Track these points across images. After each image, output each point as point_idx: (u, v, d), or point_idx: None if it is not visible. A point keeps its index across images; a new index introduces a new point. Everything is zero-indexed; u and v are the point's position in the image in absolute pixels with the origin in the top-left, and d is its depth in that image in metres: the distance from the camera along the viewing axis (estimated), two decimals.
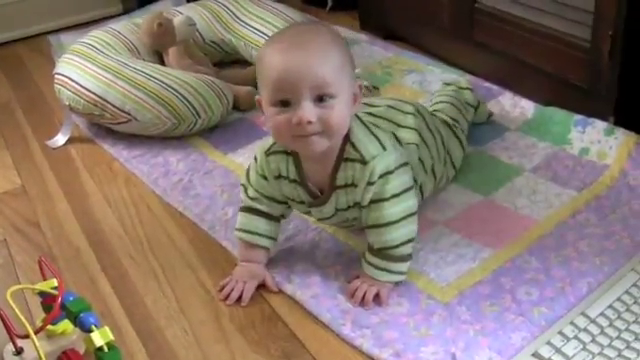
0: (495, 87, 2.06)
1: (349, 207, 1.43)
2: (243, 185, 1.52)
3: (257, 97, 1.38)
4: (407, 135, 1.50)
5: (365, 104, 1.58)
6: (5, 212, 1.86)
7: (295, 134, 1.29)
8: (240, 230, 1.51)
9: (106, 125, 2.12)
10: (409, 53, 2.39)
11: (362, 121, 1.41)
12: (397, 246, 1.38)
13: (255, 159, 1.48)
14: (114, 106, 2.03)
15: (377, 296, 1.39)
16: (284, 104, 1.28)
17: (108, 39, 2.27)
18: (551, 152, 1.76)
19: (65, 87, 2.11)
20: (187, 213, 1.75)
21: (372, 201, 1.37)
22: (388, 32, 2.54)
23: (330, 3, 2.93)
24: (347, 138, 1.37)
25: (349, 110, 1.33)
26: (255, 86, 2.15)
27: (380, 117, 1.51)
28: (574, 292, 1.35)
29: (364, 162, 1.36)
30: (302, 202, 1.47)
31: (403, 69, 2.28)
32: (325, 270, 1.50)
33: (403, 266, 1.41)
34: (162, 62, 2.30)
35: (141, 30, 2.33)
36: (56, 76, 2.17)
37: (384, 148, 1.38)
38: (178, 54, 2.27)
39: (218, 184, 1.83)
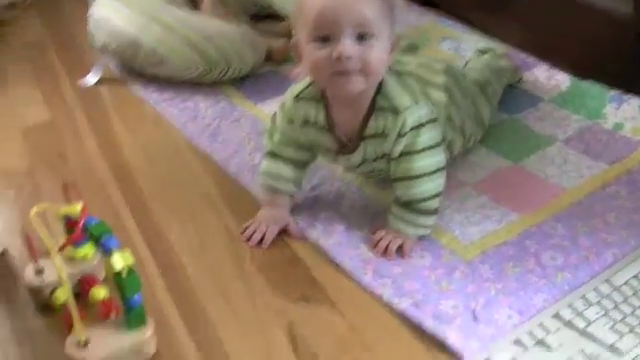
0: (531, 59, 2.03)
1: (377, 158, 1.42)
2: (269, 131, 1.51)
3: (293, 40, 1.37)
4: (436, 94, 1.49)
5: (396, 61, 1.57)
6: (33, 143, 1.87)
7: (334, 70, 1.28)
8: (264, 175, 1.51)
9: (138, 68, 2.11)
10: (445, 20, 2.37)
11: (395, 74, 1.40)
12: (425, 199, 1.37)
13: (283, 105, 1.47)
14: (147, 49, 2.02)
15: (400, 248, 1.39)
16: (324, 40, 1.27)
17: None
18: (585, 125, 1.74)
19: (99, 28, 2.11)
20: (214, 157, 1.74)
21: (402, 153, 1.36)
22: None
23: None
24: (380, 88, 1.36)
25: (386, 57, 1.32)
26: (289, 39, 2.17)
27: (410, 74, 1.50)
28: (599, 261, 1.33)
29: (396, 112, 1.35)
30: (329, 150, 1.46)
31: (439, 35, 2.26)
32: (349, 220, 1.49)
33: (429, 220, 1.40)
34: (197, 9, 2.28)
35: None
36: (90, 17, 2.17)
37: (416, 101, 1.37)
38: (213, 3, 2.26)
39: (246, 131, 1.83)
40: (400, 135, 1.35)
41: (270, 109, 1.89)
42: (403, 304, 1.27)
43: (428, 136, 1.36)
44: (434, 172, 1.37)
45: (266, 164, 1.51)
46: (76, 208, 1.27)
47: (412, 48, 1.97)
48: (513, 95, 1.85)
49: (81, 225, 1.19)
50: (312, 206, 1.54)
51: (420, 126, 1.35)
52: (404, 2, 2.55)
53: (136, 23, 2.05)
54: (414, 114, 1.35)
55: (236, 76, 2.06)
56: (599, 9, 1.82)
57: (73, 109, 2.03)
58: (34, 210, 1.16)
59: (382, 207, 1.50)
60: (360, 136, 1.40)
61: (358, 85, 1.29)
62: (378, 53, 1.28)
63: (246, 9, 2.42)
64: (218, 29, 2.04)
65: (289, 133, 1.47)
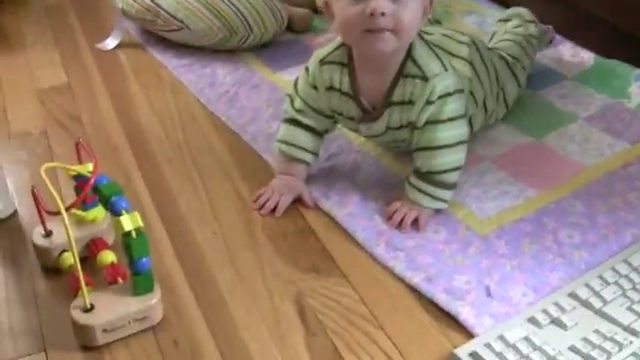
0: (556, 36, 1.99)
1: (401, 126, 1.39)
2: (289, 95, 1.48)
3: (323, 1, 1.35)
4: (459, 66, 1.45)
5: (421, 31, 1.54)
6: (48, 105, 1.86)
7: (366, 28, 1.24)
8: (281, 142, 1.48)
9: (157, 32, 2.09)
10: None
11: (425, 40, 1.37)
12: (445, 171, 1.35)
13: (306, 69, 1.44)
14: (167, 12, 2.00)
15: (415, 221, 1.36)
16: None
17: None
18: (608, 103, 1.70)
19: None
20: (230, 124, 1.72)
21: (427, 122, 1.34)
22: None
23: None
24: (409, 54, 1.33)
25: (419, 19, 1.29)
26: (312, 9, 2.15)
27: (434, 45, 1.46)
28: (618, 240, 1.30)
29: (425, 79, 1.32)
30: (351, 118, 1.43)
31: (463, 9, 2.22)
32: (365, 191, 1.46)
33: (447, 194, 1.37)
34: None
35: None
36: None
37: (445, 69, 1.34)
38: None
39: (264, 98, 1.81)
40: (428, 102, 1.32)
41: (290, 77, 1.85)
42: (415, 278, 1.25)
43: (454, 106, 1.34)
44: (456, 144, 1.35)
45: (284, 131, 1.48)
46: (87, 167, 1.26)
47: (434, 22, 1.94)
48: (536, 71, 1.81)
49: (91, 184, 1.16)
50: (327, 176, 1.52)
51: (447, 95, 1.33)
52: None
53: None
54: (443, 82, 1.32)
55: (256, 43, 2.03)
56: None
57: (90, 72, 2.01)
58: (44, 167, 1.15)
59: (399, 179, 1.48)
60: (385, 103, 1.37)
61: (390, 44, 1.26)
62: (412, 12, 1.25)
63: None
64: None
65: (311, 99, 1.44)
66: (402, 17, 1.24)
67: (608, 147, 1.55)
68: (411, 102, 1.34)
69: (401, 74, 1.34)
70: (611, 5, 1.83)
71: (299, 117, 1.46)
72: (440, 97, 1.32)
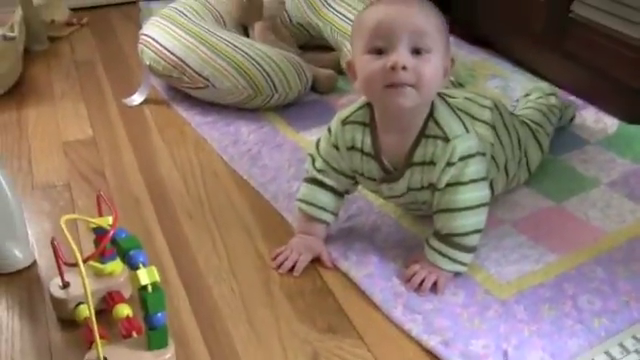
0: (580, 101, 2.00)
1: (422, 187, 1.39)
2: (311, 155, 1.49)
3: (347, 59, 1.37)
4: (482, 130, 1.45)
5: (444, 94, 1.55)
6: (73, 158, 1.88)
7: (387, 82, 1.26)
8: (302, 201, 1.48)
9: (183, 89, 2.12)
10: (495, 59, 2.35)
11: (447, 102, 1.38)
12: (465, 234, 1.34)
13: (329, 129, 1.45)
14: (193, 70, 2.03)
15: (434, 284, 1.35)
16: (380, 52, 1.26)
17: (197, 7, 2.27)
18: (630, 169, 1.69)
19: (148, 47, 2.12)
20: (252, 182, 1.73)
21: (448, 184, 1.34)
22: (477, 37, 2.49)
23: None
24: (430, 114, 1.34)
25: (441, 77, 1.30)
26: (336, 70, 2.17)
27: (457, 108, 1.47)
28: (639, 308, 1.29)
29: (446, 140, 1.32)
30: (372, 178, 1.43)
31: (487, 73, 2.24)
32: (383, 252, 1.46)
33: (467, 257, 1.37)
34: (247, 36, 2.29)
35: (230, 2, 2.32)
36: (141, 36, 2.19)
37: (467, 130, 1.34)
38: (263, 30, 2.26)
39: (286, 158, 1.81)
40: (449, 164, 1.32)
41: (313, 137, 1.87)
42: (432, 341, 1.24)
43: (475, 168, 1.34)
44: (478, 206, 1.34)
45: (305, 190, 1.49)
46: (107, 220, 1.27)
47: (458, 85, 1.95)
48: (559, 136, 1.81)
49: (110, 237, 1.17)
50: (347, 236, 1.51)
51: (469, 157, 1.33)
52: (454, 39, 2.53)
53: (184, 44, 2.06)
54: (464, 143, 1.32)
55: (281, 103, 2.05)
56: None
57: (115, 127, 2.04)
58: (64, 218, 1.15)
59: (418, 241, 1.47)
60: (407, 163, 1.37)
61: (411, 99, 1.27)
62: (433, 68, 1.26)
63: (297, 37, 2.42)
64: (266, 55, 2.04)
65: (332, 159, 1.45)
66: (423, 72, 1.25)
67: (630, 213, 1.54)
68: (432, 163, 1.34)
69: (423, 134, 1.35)
70: (635, 70, 1.83)
71: (320, 177, 1.46)
72: (461, 159, 1.32)
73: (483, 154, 1.37)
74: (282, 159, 1.81)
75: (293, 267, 1.43)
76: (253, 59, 2.01)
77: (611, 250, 1.44)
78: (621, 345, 1.20)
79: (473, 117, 1.46)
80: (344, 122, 1.42)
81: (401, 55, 1.24)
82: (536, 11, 2.16)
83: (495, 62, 2.32)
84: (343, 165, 1.44)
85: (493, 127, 1.48)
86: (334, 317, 1.32)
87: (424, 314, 1.30)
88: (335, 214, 1.49)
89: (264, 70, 2.00)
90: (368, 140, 1.39)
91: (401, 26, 1.24)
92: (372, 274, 1.40)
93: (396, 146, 1.37)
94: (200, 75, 2.02)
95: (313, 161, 1.48)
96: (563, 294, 1.33)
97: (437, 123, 1.34)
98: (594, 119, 1.92)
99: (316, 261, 1.45)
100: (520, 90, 2.07)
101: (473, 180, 1.33)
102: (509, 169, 1.53)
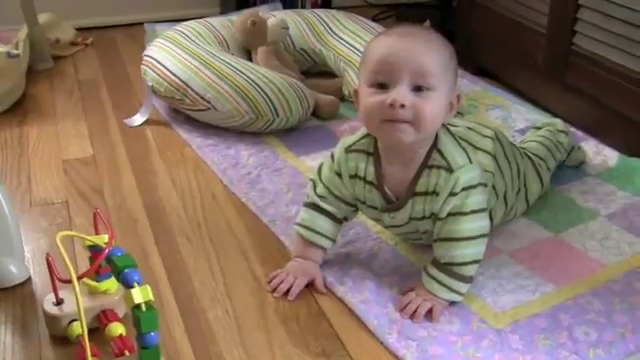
0: (580, 133, 2.00)
1: (424, 217, 1.39)
2: (312, 180, 1.49)
3: (354, 87, 1.37)
4: (483, 159, 1.46)
5: (447, 124, 1.55)
6: (72, 177, 1.88)
7: (385, 118, 1.26)
8: (301, 226, 1.48)
9: (185, 111, 2.12)
10: (497, 90, 2.36)
11: (451, 132, 1.38)
12: (464, 264, 1.34)
13: (332, 156, 1.45)
14: (196, 92, 2.03)
15: (429, 312, 1.35)
16: (381, 86, 1.27)
17: (201, 30, 2.28)
18: (629, 202, 1.69)
19: (151, 68, 2.13)
20: (250, 205, 1.73)
21: (450, 214, 1.33)
22: (479, 67, 2.50)
23: None
24: (434, 145, 1.34)
25: (443, 114, 1.30)
26: (339, 97, 2.17)
27: (459, 138, 1.47)
28: (635, 340, 1.28)
29: (450, 170, 1.32)
30: (374, 207, 1.43)
31: (489, 104, 2.24)
32: (380, 279, 1.45)
33: (464, 287, 1.36)
34: (250, 60, 2.30)
35: (235, 26, 2.34)
36: (144, 57, 2.20)
37: (470, 161, 1.35)
38: (267, 54, 2.27)
39: (285, 182, 1.81)
40: (451, 194, 1.32)
41: (313, 163, 1.88)
42: None
43: (477, 199, 1.34)
44: (478, 237, 1.34)
45: (304, 215, 1.48)
46: (103, 238, 1.26)
47: (457, 114, 1.95)
48: (559, 168, 1.81)
49: (105, 255, 1.17)
50: (344, 262, 1.51)
51: (471, 187, 1.33)
52: None
53: (187, 66, 2.06)
54: (467, 174, 1.33)
55: (282, 127, 2.05)
56: None
57: (116, 147, 2.04)
58: (59, 235, 1.15)
59: (415, 268, 1.47)
60: (410, 193, 1.37)
61: (408, 135, 1.27)
62: (433, 107, 1.26)
63: (300, 63, 2.43)
64: (268, 79, 2.04)
65: (334, 186, 1.45)
66: (422, 110, 1.25)
67: (629, 245, 1.54)
68: (435, 193, 1.34)
69: (426, 165, 1.35)
70: (636, 103, 1.83)
71: (321, 203, 1.46)
72: (464, 189, 1.32)
73: (485, 185, 1.37)
74: (281, 183, 1.81)
75: (288, 290, 1.42)
76: (255, 83, 2.02)
77: (608, 282, 1.43)
78: None
79: (475, 146, 1.46)
80: (348, 150, 1.42)
81: (400, 93, 1.24)
82: (538, 43, 2.17)
83: (497, 93, 2.33)
84: (345, 192, 1.44)
85: (494, 157, 1.48)
86: (328, 342, 1.31)
87: (418, 341, 1.29)
88: (333, 240, 1.49)
89: (266, 94, 2.00)
90: (371, 169, 1.39)
91: (404, 64, 1.24)
92: (368, 300, 1.39)
93: (399, 176, 1.37)
94: (202, 97, 2.02)
95: (314, 186, 1.48)
96: (559, 325, 1.32)
97: (441, 154, 1.34)
98: (595, 151, 1.92)
99: (311, 285, 1.44)
100: (521, 122, 2.08)
101: (474, 211, 1.33)
102: (508, 199, 1.53)
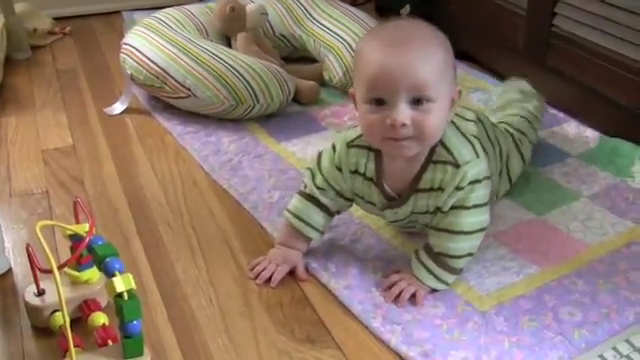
0: (561, 114, 2.01)
1: (427, 212, 1.37)
2: (310, 170, 1.45)
3: (351, 90, 1.34)
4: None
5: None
6: (52, 167, 1.86)
7: (386, 136, 1.24)
8: (292, 214, 1.44)
9: (165, 99, 2.11)
10: (477, 72, 2.35)
11: (456, 125, 1.36)
12: (458, 257, 1.33)
13: (333, 148, 1.41)
14: (175, 80, 2.02)
15: (412, 296, 1.34)
16: (379, 102, 1.23)
17: (179, 17, 2.27)
18: (612, 182, 1.69)
19: (130, 56, 2.11)
20: (232, 192, 1.72)
21: (453, 207, 1.32)
22: (460, 51, 2.46)
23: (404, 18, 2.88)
24: (439, 140, 1.31)
25: (446, 115, 1.27)
26: (319, 82, 2.16)
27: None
28: (619, 320, 1.28)
29: (457, 165, 1.30)
30: (372, 203, 1.41)
31: (470, 87, 2.24)
32: (363, 263, 1.45)
33: (451, 278, 1.36)
34: (229, 46, 2.28)
35: (213, 13, 2.32)
36: (123, 45, 2.18)
37: (477, 155, 1.32)
38: (246, 41, 2.26)
39: (267, 168, 1.80)
40: (457, 188, 1.30)
41: (295, 148, 1.88)
42: (411, 352, 1.22)
43: (481, 193, 1.32)
44: (476, 231, 1.33)
45: (298, 204, 1.45)
46: (84, 227, 1.25)
47: None
48: (540, 149, 1.81)
49: (86, 243, 1.16)
50: (327, 247, 1.50)
51: (477, 182, 1.31)
52: None
53: (166, 54, 2.04)
54: (474, 168, 1.30)
55: (262, 114, 2.04)
56: (636, 67, 1.79)
57: (96, 136, 2.02)
58: (39, 225, 1.14)
59: (398, 253, 1.47)
60: (412, 189, 1.35)
61: (411, 150, 1.26)
62: (435, 118, 1.23)
63: (280, 49, 2.42)
64: (248, 65, 2.03)
65: (334, 180, 1.42)
66: (424, 125, 1.22)
67: (611, 226, 1.54)
68: (440, 189, 1.32)
69: (431, 160, 1.32)
70: (616, 83, 1.83)
71: (318, 195, 1.43)
72: (470, 183, 1.30)
73: (489, 178, 1.35)
74: (263, 169, 1.80)
75: (270, 278, 1.41)
76: (235, 69, 2.00)
77: (592, 262, 1.43)
78: (601, 357, 1.19)
79: (461, 133, 1.45)
80: (350, 145, 1.39)
81: (400, 113, 1.20)
82: (518, 25, 2.17)
83: (477, 76, 2.33)
84: (344, 187, 1.42)
85: (478, 139, 1.48)
86: (313, 328, 1.30)
87: (403, 325, 1.29)
88: (322, 233, 1.47)
89: (246, 80, 1.99)
90: (372, 165, 1.37)
91: (400, 80, 1.19)
92: (351, 286, 1.39)
93: (401, 173, 1.35)
94: (182, 85, 2.01)
95: (313, 177, 1.44)
96: (544, 306, 1.32)
97: (446, 148, 1.31)
98: (576, 132, 1.92)
99: (293, 273, 1.43)
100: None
101: (476, 205, 1.32)
102: (493, 181, 1.52)
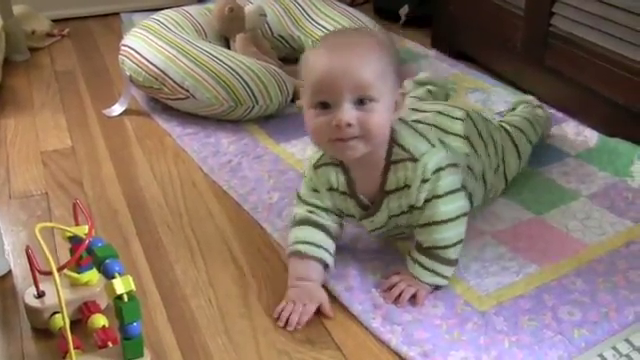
0: (560, 114, 2.00)
1: (402, 213, 1.38)
2: (295, 204, 1.46)
3: (298, 102, 1.35)
4: (455, 143, 1.46)
5: (414, 110, 1.56)
6: (51, 168, 1.86)
7: (333, 137, 1.26)
8: (297, 243, 1.39)
9: (163, 100, 2.11)
10: (476, 72, 2.35)
11: (408, 123, 1.38)
12: (447, 247, 1.34)
13: (304, 175, 1.45)
14: (174, 81, 2.02)
15: (413, 297, 1.34)
16: (324, 106, 1.25)
17: (178, 18, 2.27)
18: (610, 182, 1.69)
19: (129, 58, 2.11)
20: (231, 193, 1.72)
21: (426, 200, 1.33)
22: (458, 51, 2.49)
23: (403, 18, 2.89)
24: (393, 141, 1.33)
25: (390, 116, 1.29)
26: None
27: (427, 124, 1.46)
28: (619, 319, 1.28)
29: (414, 160, 1.32)
30: (352, 215, 1.43)
31: (468, 87, 2.24)
32: (363, 264, 1.45)
33: (448, 270, 1.36)
34: (228, 47, 2.28)
35: (212, 14, 2.32)
36: (122, 47, 2.18)
37: (433, 145, 1.34)
38: (245, 41, 2.26)
39: (266, 169, 1.80)
40: (423, 181, 1.31)
41: (294, 149, 1.88)
42: (411, 353, 1.22)
43: (450, 180, 1.33)
44: (457, 217, 1.34)
45: (298, 233, 1.41)
46: (83, 229, 1.25)
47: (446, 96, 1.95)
48: (540, 149, 1.81)
49: (85, 245, 1.16)
50: None
51: (440, 169, 1.32)
52: (436, 54, 2.54)
53: (165, 55, 2.05)
54: (433, 158, 1.32)
55: (261, 114, 2.04)
56: (634, 67, 1.79)
57: (95, 137, 2.03)
58: (39, 227, 1.14)
59: (398, 254, 1.47)
60: (382, 193, 1.36)
61: (359, 150, 1.27)
62: (379, 117, 1.26)
63: (278, 50, 2.42)
64: (246, 66, 2.03)
65: (317, 200, 1.43)
66: (369, 123, 1.24)
67: (610, 225, 1.54)
68: (407, 186, 1.34)
69: (390, 161, 1.34)
70: (615, 83, 1.83)
71: (311, 216, 1.42)
72: (434, 173, 1.31)
73: (454, 165, 1.36)
74: (262, 170, 1.80)
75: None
76: (234, 70, 2.00)
77: (591, 262, 1.43)
78: (601, 356, 1.19)
79: (445, 131, 1.47)
80: (316, 166, 1.41)
81: (345, 113, 1.23)
82: (516, 25, 2.17)
83: (476, 76, 2.33)
84: (328, 203, 1.42)
85: (467, 138, 1.49)
86: (312, 328, 1.30)
87: (403, 325, 1.29)
88: (332, 255, 1.41)
89: (244, 82, 1.99)
90: (342, 179, 1.39)
91: (343, 82, 1.22)
92: (351, 287, 1.39)
93: (368, 179, 1.37)
94: (181, 86, 2.01)
95: (299, 206, 1.45)
96: (543, 305, 1.32)
97: (402, 147, 1.33)
98: (575, 132, 1.92)
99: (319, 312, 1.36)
100: (501, 104, 2.07)
101: (449, 192, 1.33)
102: (487, 178, 1.53)
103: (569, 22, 1.97)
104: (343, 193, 1.40)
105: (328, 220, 1.43)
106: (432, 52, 2.57)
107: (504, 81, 2.26)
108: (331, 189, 1.41)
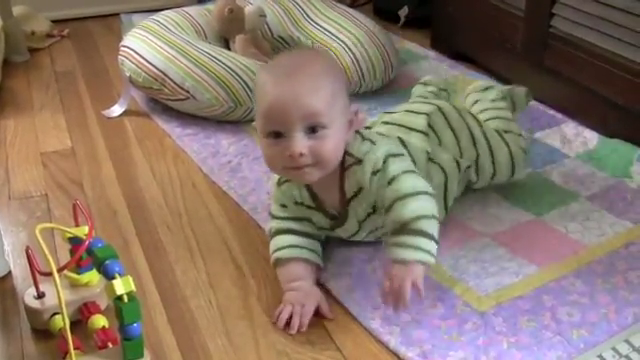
0: (559, 115, 2.01)
1: (369, 214, 1.39)
2: (270, 221, 1.48)
3: (253, 124, 1.37)
4: (415, 140, 1.48)
5: (385, 112, 1.60)
6: (51, 169, 1.87)
7: (287, 166, 1.27)
8: (276, 251, 1.41)
9: (163, 101, 2.11)
10: (475, 74, 2.35)
11: (359, 133, 1.38)
12: (417, 218, 1.26)
13: (271, 195, 1.49)
14: (174, 82, 2.02)
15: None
16: (276, 135, 1.26)
17: (178, 19, 2.27)
18: (610, 183, 1.70)
19: (128, 59, 2.11)
20: (231, 193, 1.72)
21: (380, 186, 1.32)
22: (458, 52, 2.50)
23: (402, 19, 2.89)
24: (345, 151, 1.34)
25: (343, 138, 1.31)
26: None
27: (393, 124, 1.49)
28: (618, 320, 1.28)
29: (359, 161, 1.33)
30: (324, 228, 1.45)
31: (465, 87, 2.23)
32: (361, 264, 1.45)
33: (429, 244, 1.26)
34: (228, 48, 2.28)
35: (212, 14, 2.33)
36: (121, 48, 2.18)
37: (373, 142, 1.35)
38: (244, 42, 2.26)
39: (266, 170, 1.76)
40: (373, 173, 1.32)
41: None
42: (410, 353, 1.23)
43: (399, 165, 1.33)
44: (418, 193, 1.29)
45: (278, 242, 1.42)
46: (83, 230, 1.25)
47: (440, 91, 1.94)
48: (539, 150, 1.81)
49: (85, 246, 1.16)
50: (325, 248, 1.49)
51: (387, 158, 1.32)
52: (435, 55, 2.54)
53: (165, 56, 2.05)
54: (377, 152, 1.33)
55: None
56: (634, 68, 1.79)
57: (95, 138, 2.03)
58: (39, 227, 1.14)
59: None
60: (344, 201, 1.39)
61: (313, 176, 1.29)
62: (331, 143, 1.27)
63: (278, 51, 2.42)
64: (246, 67, 2.03)
65: (289, 212, 1.45)
66: (321, 151, 1.25)
67: (610, 226, 1.54)
68: (361, 188, 1.35)
69: (343, 170, 1.36)
70: (614, 84, 1.84)
71: (285, 226, 1.43)
72: (384, 162, 1.32)
73: (401, 154, 1.36)
74: (262, 171, 1.80)
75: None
76: (233, 71, 2.01)
77: (590, 263, 1.43)
78: (600, 357, 1.19)
79: (409, 128, 1.50)
80: (279, 183, 1.43)
81: (296, 143, 1.24)
82: (516, 26, 2.17)
83: (476, 77, 2.32)
84: (300, 214, 1.44)
85: (426, 134, 1.50)
86: (312, 329, 1.30)
87: (402, 325, 1.29)
88: (317, 253, 1.42)
89: (244, 82, 1.99)
90: (305, 193, 1.41)
91: (293, 111, 1.23)
92: (350, 287, 1.39)
93: (330, 191, 1.39)
94: (180, 87, 2.01)
95: (273, 221, 1.46)
96: (542, 306, 1.32)
97: (350, 154, 1.34)
98: (574, 133, 1.92)
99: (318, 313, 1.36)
100: None
101: (403, 172, 1.32)
102: (461, 165, 1.54)
103: (569, 23, 1.98)
104: (309, 207, 1.42)
105: (309, 227, 1.45)
106: (432, 53, 2.57)
107: (504, 82, 2.25)
108: (297, 203, 1.43)
